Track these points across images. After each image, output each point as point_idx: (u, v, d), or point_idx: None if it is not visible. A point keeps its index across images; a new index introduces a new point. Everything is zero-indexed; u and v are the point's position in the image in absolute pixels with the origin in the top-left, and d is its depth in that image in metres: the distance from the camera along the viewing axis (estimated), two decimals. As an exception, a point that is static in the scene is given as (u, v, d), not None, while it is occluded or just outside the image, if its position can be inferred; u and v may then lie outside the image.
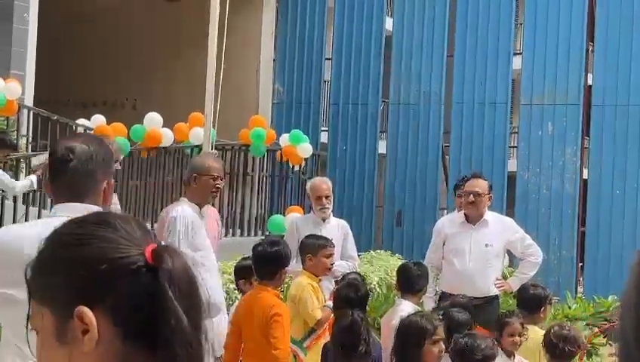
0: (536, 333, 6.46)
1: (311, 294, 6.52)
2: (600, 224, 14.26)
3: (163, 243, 1.41)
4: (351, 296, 6.19)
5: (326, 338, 6.43)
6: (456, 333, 5.15)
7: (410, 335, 4.71)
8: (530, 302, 6.61)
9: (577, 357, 5.79)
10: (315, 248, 6.74)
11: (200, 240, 6.46)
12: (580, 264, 14.53)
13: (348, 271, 8.12)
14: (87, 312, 1.37)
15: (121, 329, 1.37)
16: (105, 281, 1.38)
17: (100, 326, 1.37)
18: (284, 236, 8.28)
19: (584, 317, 11.43)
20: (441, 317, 5.36)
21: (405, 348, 4.70)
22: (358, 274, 6.56)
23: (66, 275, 1.40)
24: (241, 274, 7.14)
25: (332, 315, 6.54)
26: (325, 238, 7.01)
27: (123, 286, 1.37)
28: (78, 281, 1.39)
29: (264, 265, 5.83)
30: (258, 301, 5.74)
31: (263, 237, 12.23)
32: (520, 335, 5.83)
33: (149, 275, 1.37)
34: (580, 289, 14.36)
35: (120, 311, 1.37)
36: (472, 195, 7.41)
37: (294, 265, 7.23)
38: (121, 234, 1.41)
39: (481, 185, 7.47)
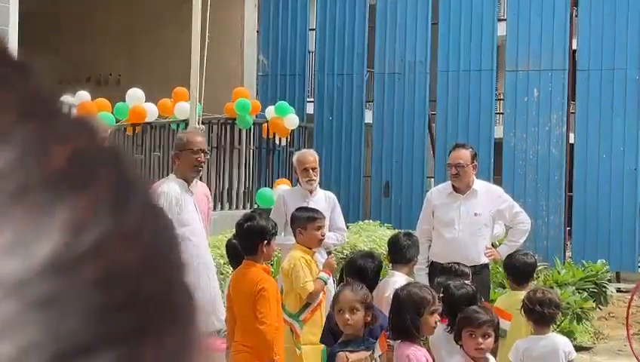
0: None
1: (303, 267, 6.53)
2: (587, 188, 14.28)
3: None
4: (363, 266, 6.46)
5: (322, 310, 6.47)
6: (458, 308, 5.20)
7: (410, 305, 4.76)
8: (517, 270, 6.67)
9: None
10: (304, 221, 6.75)
11: (187, 216, 6.48)
12: (568, 229, 14.57)
13: (336, 243, 8.17)
14: None
15: None
16: None
17: None
18: (271, 209, 8.27)
19: (573, 282, 11.45)
20: (442, 293, 5.41)
21: (404, 318, 4.75)
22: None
23: None
24: None
25: (324, 287, 6.58)
26: (314, 210, 7.03)
27: None
28: None
29: (242, 240, 5.97)
30: (245, 276, 5.80)
31: (252, 211, 12.24)
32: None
33: None
34: (569, 254, 14.41)
35: None
36: (454, 167, 7.40)
37: (282, 238, 7.23)
38: None
39: (463, 155, 7.43)
